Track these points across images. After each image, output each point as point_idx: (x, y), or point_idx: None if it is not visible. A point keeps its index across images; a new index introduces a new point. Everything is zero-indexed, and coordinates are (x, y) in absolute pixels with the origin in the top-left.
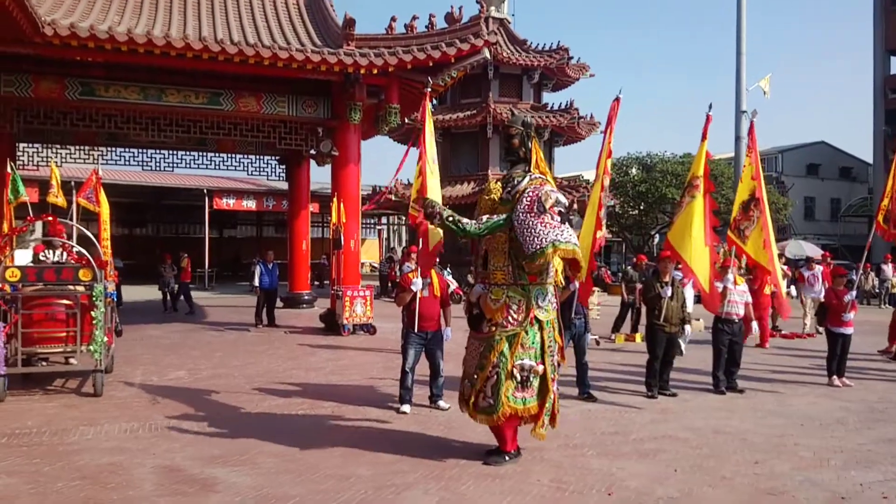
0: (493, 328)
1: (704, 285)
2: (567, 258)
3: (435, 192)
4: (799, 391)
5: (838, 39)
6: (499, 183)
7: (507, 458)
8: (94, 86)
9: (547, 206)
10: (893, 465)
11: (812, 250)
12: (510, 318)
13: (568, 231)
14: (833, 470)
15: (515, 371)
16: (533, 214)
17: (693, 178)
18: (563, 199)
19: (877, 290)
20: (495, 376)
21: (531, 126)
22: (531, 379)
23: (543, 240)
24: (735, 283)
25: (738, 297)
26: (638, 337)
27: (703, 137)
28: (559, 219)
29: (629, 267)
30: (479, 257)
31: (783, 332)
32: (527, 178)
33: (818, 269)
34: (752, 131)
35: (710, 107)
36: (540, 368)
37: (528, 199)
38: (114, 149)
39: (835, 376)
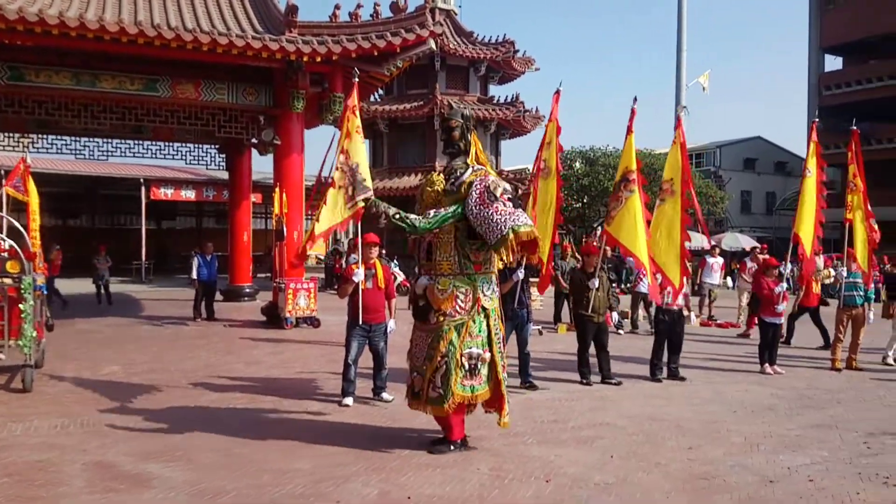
0: (442, 318)
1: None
2: (526, 241)
3: (333, 211)
4: (733, 379)
5: (775, 37)
6: (441, 175)
7: (451, 447)
8: (24, 70)
9: (497, 195)
10: (820, 450)
11: (748, 242)
12: (457, 307)
13: (523, 215)
14: (763, 454)
15: (464, 360)
16: (486, 205)
17: (627, 172)
18: (508, 187)
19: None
20: (444, 366)
21: (471, 118)
22: (479, 367)
23: (503, 227)
24: None
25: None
26: None
27: (629, 131)
28: (511, 204)
29: (558, 258)
30: (422, 249)
31: (718, 322)
32: (469, 170)
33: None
34: (679, 125)
35: (635, 100)
36: (487, 356)
37: (478, 191)
38: (45, 136)
39: (767, 364)
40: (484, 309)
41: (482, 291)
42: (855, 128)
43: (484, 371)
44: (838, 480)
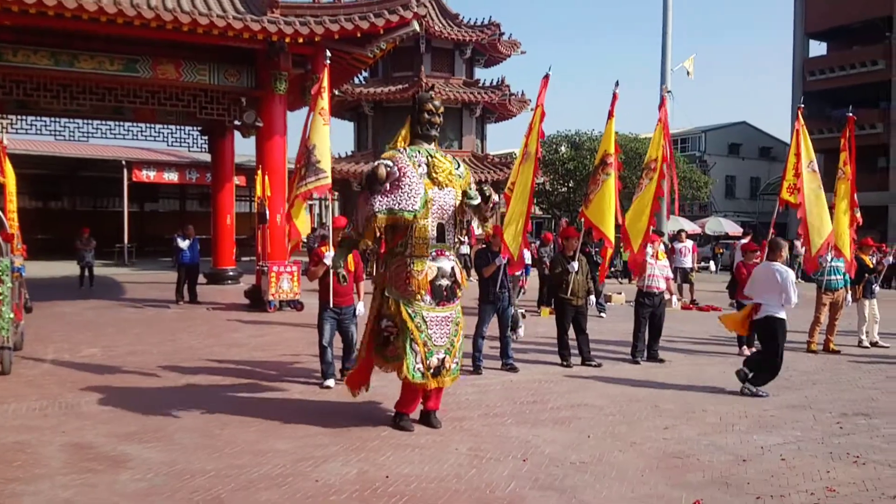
0: (460, 294)
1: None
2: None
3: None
4: (711, 360)
5: (761, 22)
6: (447, 156)
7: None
8: (1, 50)
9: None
10: (793, 429)
11: (731, 227)
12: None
13: None
14: (737, 434)
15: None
16: None
17: (606, 156)
18: None
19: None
20: (461, 338)
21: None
22: None
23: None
24: (656, 258)
25: (660, 271)
26: None
27: (610, 115)
28: None
29: (539, 244)
30: (426, 231)
31: (700, 306)
32: (460, 164)
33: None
34: (664, 105)
35: (617, 84)
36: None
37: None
38: (24, 117)
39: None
40: None
41: None
42: (851, 114)
43: None
44: (809, 459)
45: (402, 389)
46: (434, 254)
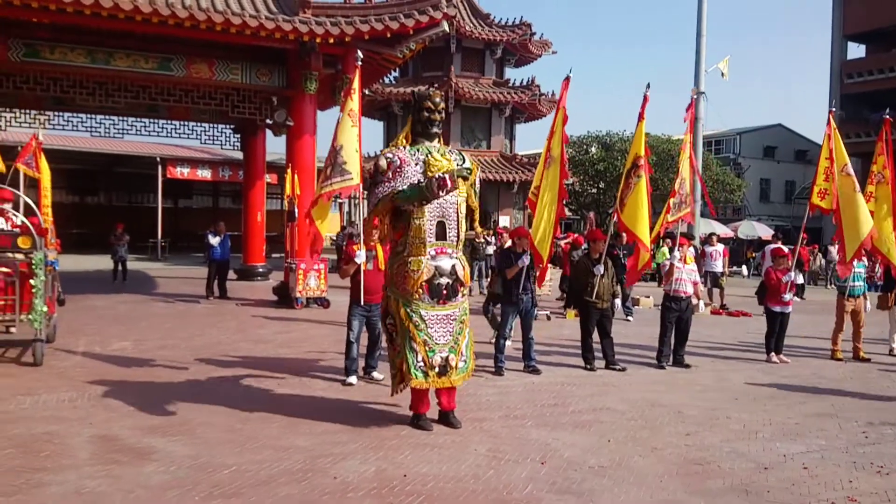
0: (465, 292)
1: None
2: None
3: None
4: (737, 367)
5: (798, 23)
6: (445, 154)
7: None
8: (39, 48)
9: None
10: (817, 438)
11: (765, 231)
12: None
13: None
14: (760, 442)
15: None
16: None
17: (637, 158)
18: None
19: (823, 272)
20: (468, 336)
21: None
22: None
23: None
24: (684, 261)
25: (687, 275)
26: None
27: (641, 118)
28: None
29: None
30: (422, 230)
31: (730, 311)
32: (468, 158)
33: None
34: (692, 106)
35: (648, 87)
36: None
37: (478, 177)
38: (61, 113)
39: (773, 353)
40: None
41: None
42: (888, 116)
43: None
44: (832, 468)
45: (411, 390)
46: (434, 252)
